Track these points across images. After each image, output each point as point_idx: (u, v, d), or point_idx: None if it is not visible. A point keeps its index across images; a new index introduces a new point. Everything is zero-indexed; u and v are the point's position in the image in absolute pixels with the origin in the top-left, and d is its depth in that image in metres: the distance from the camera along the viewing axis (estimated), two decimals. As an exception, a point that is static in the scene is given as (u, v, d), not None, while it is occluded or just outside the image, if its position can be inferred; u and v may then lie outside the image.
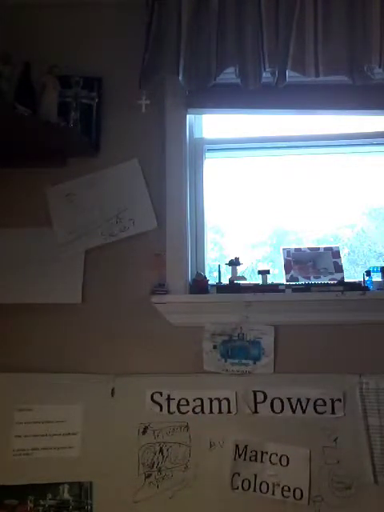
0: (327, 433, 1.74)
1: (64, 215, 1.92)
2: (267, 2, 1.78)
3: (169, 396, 1.79)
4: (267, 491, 1.71)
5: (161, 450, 1.76)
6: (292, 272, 1.91)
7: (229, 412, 1.78)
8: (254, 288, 1.84)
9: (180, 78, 1.80)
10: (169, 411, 1.79)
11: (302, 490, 1.70)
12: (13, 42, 1.88)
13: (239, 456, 1.74)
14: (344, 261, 1.94)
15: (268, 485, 1.71)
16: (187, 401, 1.79)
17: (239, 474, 1.73)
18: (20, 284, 1.87)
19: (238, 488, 1.72)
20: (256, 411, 1.77)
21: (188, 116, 1.97)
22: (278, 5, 1.78)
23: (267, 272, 1.88)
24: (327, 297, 1.78)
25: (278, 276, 1.96)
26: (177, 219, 1.89)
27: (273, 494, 1.71)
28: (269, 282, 1.88)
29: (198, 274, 1.88)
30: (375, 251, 2.05)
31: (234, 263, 1.91)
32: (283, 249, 1.97)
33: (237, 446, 1.75)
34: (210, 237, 2.07)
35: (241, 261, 1.91)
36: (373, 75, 1.79)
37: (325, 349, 1.80)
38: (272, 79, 1.80)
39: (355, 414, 1.74)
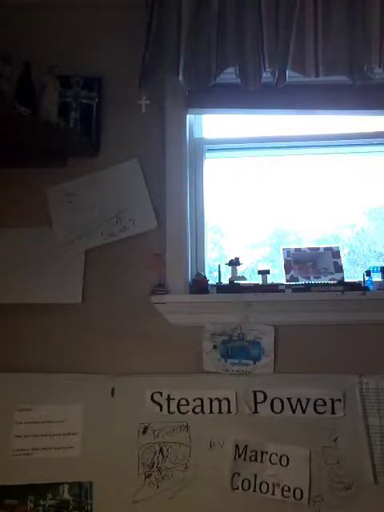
0: (327, 433, 1.74)
1: (64, 215, 1.92)
2: (267, 2, 1.78)
3: (169, 396, 1.79)
4: (267, 491, 1.71)
5: (161, 450, 1.76)
6: (292, 272, 1.91)
7: (229, 412, 1.78)
8: (254, 288, 1.84)
9: (180, 77, 1.80)
10: (169, 411, 1.79)
11: (301, 490, 1.70)
12: (13, 42, 1.87)
13: (239, 456, 1.74)
14: (344, 261, 1.94)
15: (268, 485, 1.71)
16: (187, 401, 1.79)
17: (239, 474, 1.73)
18: (20, 284, 1.88)
19: (238, 488, 1.72)
20: (256, 411, 1.77)
21: (188, 116, 1.97)
22: (277, 5, 1.78)
23: (267, 272, 1.88)
24: (327, 297, 1.78)
25: (278, 276, 1.96)
26: (177, 219, 1.89)
27: (273, 493, 1.71)
28: (269, 282, 1.88)
29: (198, 274, 1.88)
30: (375, 251, 2.05)
31: (234, 263, 1.91)
32: (283, 249, 1.97)
33: (237, 446, 1.75)
34: (210, 237, 2.07)
35: (241, 261, 1.91)
36: (373, 75, 1.79)
37: (325, 349, 1.80)
38: (272, 79, 1.79)
39: (355, 414, 1.74)
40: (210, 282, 1.88)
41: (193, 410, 1.78)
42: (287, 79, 1.78)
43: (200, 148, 2.04)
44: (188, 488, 1.73)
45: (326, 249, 1.97)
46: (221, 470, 1.74)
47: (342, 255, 1.94)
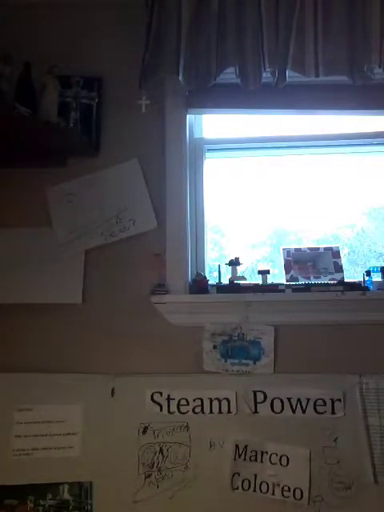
0: (327, 433, 1.74)
1: (64, 215, 1.92)
2: (267, 2, 1.78)
3: (169, 396, 1.79)
4: (267, 491, 1.71)
5: (161, 450, 1.76)
6: (292, 272, 1.91)
7: (229, 412, 1.78)
8: (254, 288, 1.84)
9: (180, 78, 1.80)
10: (169, 411, 1.79)
11: (302, 490, 1.70)
12: (13, 42, 1.88)
13: (239, 456, 1.74)
14: (344, 261, 1.94)
15: (268, 485, 1.71)
16: (187, 401, 1.79)
17: (239, 474, 1.73)
18: (20, 284, 1.88)
19: (238, 488, 1.72)
20: (256, 411, 1.77)
21: (188, 116, 1.97)
22: (277, 5, 1.78)
23: (267, 272, 1.88)
24: (327, 297, 1.78)
25: (278, 276, 1.96)
26: (177, 219, 1.89)
27: (273, 494, 1.71)
28: (269, 282, 1.88)
29: (198, 274, 1.88)
30: (375, 251, 2.05)
31: (234, 263, 1.91)
32: (283, 249, 1.97)
33: (237, 446, 1.75)
34: (210, 237, 2.07)
35: (241, 261, 1.91)
36: (373, 75, 1.79)
37: (325, 349, 1.80)
38: (272, 79, 1.79)
39: (355, 414, 1.74)
40: (210, 282, 1.88)
41: (193, 410, 1.78)
42: (287, 79, 1.78)
43: (200, 148, 2.04)
44: (188, 488, 1.73)
45: (326, 249, 1.97)
46: (221, 470, 1.74)
47: (342, 255, 1.94)
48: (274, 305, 1.81)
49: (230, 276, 1.90)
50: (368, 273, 1.85)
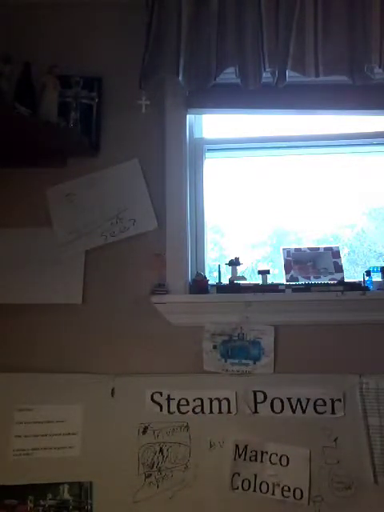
0: (327, 433, 1.74)
1: (64, 215, 1.92)
2: (267, 2, 1.78)
3: (169, 396, 1.79)
4: (267, 491, 1.71)
5: (161, 450, 1.76)
6: (292, 272, 1.91)
7: (229, 412, 1.78)
8: (254, 288, 1.84)
9: (180, 78, 1.80)
10: (169, 411, 1.79)
11: (302, 490, 1.70)
12: (13, 42, 1.88)
13: (239, 456, 1.74)
14: (344, 261, 1.94)
15: (268, 485, 1.71)
16: (187, 401, 1.79)
17: (239, 474, 1.73)
18: (20, 284, 1.87)
19: (238, 488, 1.72)
20: (256, 411, 1.77)
21: (188, 116, 1.97)
22: (278, 5, 1.78)
23: (267, 272, 1.88)
24: (327, 297, 1.78)
25: (278, 276, 1.96)
26: (177, 219, 1.89)
27: (273, 494, 1.71)
28: (269, 282, 1.88)
29: (198, 274, 1.88)
30: (375, 251, 2.05)
31: (234, 263, 1.91)
32: (283, 249, 1.97)
33: (237, 446, 1.75)
34: (210, 237, 2.07)
35: (241, 261, 1.91)
36: (373, 75, 1.79)
37: (325, 349, 1.80)
38: (272, 79, 1.79)
39: (355, 414, 1.74)
40: (210, 282, 1.88)
41: (193, 410, 1.78)
42: (287, 79, 1.78)
43: (200, 148, 2.04)
44: (188, 488, 1.73)
45: (326, 249, 1.97)
46: (221, 469, 1.74)
47: (342, 255, 1.94)
48: (274, 305, 1.81)
49: (230, 276, 1.90)
50: (368, 273, 1.85)
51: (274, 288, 1.85)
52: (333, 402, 1.75)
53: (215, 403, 1.78)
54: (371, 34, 1.78)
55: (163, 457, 1.75)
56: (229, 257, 1.95)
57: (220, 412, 1.78)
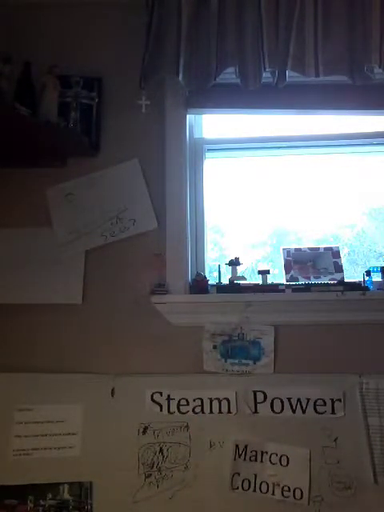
0: (327, 433, 1.74)
1: (64, 215, 1.92)
2: (267, 3, 1.78)
3: (169, 396, 1.79)
4: (267, 491, 1.71)
5: (161, 450, 1.76)
6: (292, 272, 1.91)
7: (229, 412, 1.78)
8: (254, 288, 1.84)
9: (180, 78, 1.80)
10: (169, 411, 1.79)
11: (302, 490, 1.70)
12: (13, 42, 1.88)
13: (239, 456, 1.74)
14: (344, 261, 1.94)
15: (268, 485, 1.72)
16: (187, 401, 1.79)
17: (239, 474, 1.73)
18: (20, 284, 1.87)
19: (238, 488, 1.72)
20: (256, 411, 1.77)
21: (188, 116, 1.97)
22: (277, 5, 1.78)
23: (267, 272, 1.88)
24: (327, 297, 1.78)
25: (278, 276, 1.96)
26: (177, 219, 1.89)
27: (273, 494, 1.71)
28: (269, 282, 1.88)
29: (198, 274, 1.88)
30: (375, 251, 2.05)
31: (234, 263, 1.91)
32: (283, 249, 1.97)
33: (237, 446, 1.75)
34: (210, 237, 2.07)
35: (241, 261, 1.91)
36: (373, 75, 1.79)
37: (325, 349, 1.80)
38: (272, 79, 1.80)
39: (355, 414, 1.74)
40: (210, 282, 1.88)
41: (193, 410, 1.78)
42: (287, 79, 1.78)
43: (200, 148, 2.04)
44: (188, 488, 1.73)
45: (326, 249, 1.97)
46: (221, 469, 1.74)
47: (342, 255, 1.94)
48: (273, 305, 1.81)
49: (230, 276, 1.90)
50: (368, 273, 1.85)
51: (274, 288, 1.85)
52: (333, 402, 1.75)
53: (215, 403, 1.78)
54: (371, 34, 1.78)
55: (163, 457, 1.76)
56: (229, 257, 1.95)
57: (220, 412, 1.78)
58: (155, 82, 1.85)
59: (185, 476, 1.74)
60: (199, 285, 1.85)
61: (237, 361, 1.80)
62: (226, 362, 1.81)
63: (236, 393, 1.79)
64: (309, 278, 1.89)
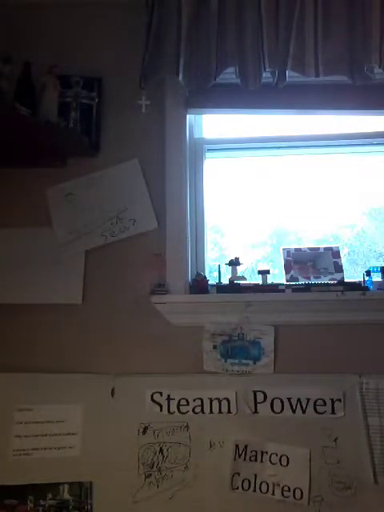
0: (327, 433, 1.74)
1: (64, 215, 1.92)
2: (267, 3, 1.78)
3: (169, 396, 1.79)
4: (267, 491, 1.71)
5: (161, 450, 1.76)
6: (292, 272, 1.91)
7: (229, 412, 1.78)
8: (254, 288, 1.84)
9: (180, 78, 1.80)
10: (169, 411, 1.79)
11: (302, 490, 1.70)
12: (13, 42, 1.88)
13: (239, 456, 1.74)
14: (344, 261, 1.94)
15: (268, 485, 1.72)
16: (187, 401, 1.79)
17: (239, 474, 1.73)
18: (20, 284, 1.87)
19: (238, 488, 1.72)
20: (256, 411, 1.77)
21: (188, 116, 1.97)
22: (277, 5, 1.78)
23: (267, 272, 1.88)
24: (327, 297, 1.78)
25: (278, 276, 1.96)
26: (177, 219, 1.89)
27: (273, 494, 1.71)
28: (269, 282, 1.88)
29: (198, 274, 1.88)
30: (375, 251, 2.05)
31: (234, 263, 1.91)
32: (283, 249, 1.97)
33: (237, 446, 1.75)
34: (210, 237, 2.07)
35: (241, 261, 1.91)
36: (373, 75, 1.79)
37: (325, 349, 1.80)
38: (272, 79, 1.80)
39: (355, 414, 1.74)
40: (210, 282, 1.88)
41: (193, 410, 1.78)
42: (287, 79, 1.78)
43: (200, 148, 2.04)
44: (188, 488, 1.73)
45: (325, 249, 1.97)
46: (221, 469, 1.74)
47: (342, 255, 1.94)
48: (273, 305, 1.81)
49: (230, 276, 1.90)
50: (368, 273, 1.85)
51: (274, 288, 1.85)
52: (333, 402, 1.75)
53: (215, 403, 1.78)
54: (371, 34, 1.78)
55: (163, 457, 1.76)
56: (229, 257, 1.95)
57: (220, 412, 1.78)
58: (155, 82, 1.85)
59: (185, 476, 1.74)
60: (199, 285, 1.85)
61: (237, 361, 1.80)
62: (226, 362, 1.81)
63: (236, 393, 1.79)
64: (309, 278, 1.89)
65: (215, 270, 1.96)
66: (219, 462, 1.74)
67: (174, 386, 1.80)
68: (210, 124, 2.10)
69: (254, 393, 1.78)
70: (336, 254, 1.94)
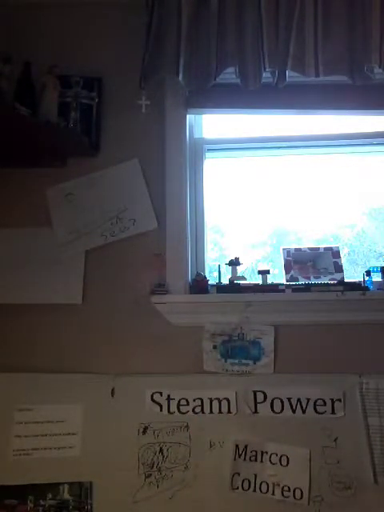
0: (327, 433, 1.74)
1: (64, 215, 1.92)
2: (267, 3, 1.78)
3: (169, 396, 1.79)
4: (267, 491, 1.71)
5: (161, 450, 1.76)
6: (292, 272, 1.91)
7: (229, 412, 1.78)
8: (254, 288, 1.84)
9: (180, 78, 1.80)
10: (169, 411, 1.79)
11: (302, 490, 1.70)
12: (13, 42, 1.88)
13: (239, 456, 1.74)
14: (344, 261, 1.94)
15: (268, 485, 1.72)
16: (187, 401, 1.79)
17: (239, 474, 1.73)
18: (20, 284, 1.87)
19: (238, 488, 1.72)
20: (256, 411, 1.77)
21: (188, 116, 1.97)
22: (277, 5, 1.78)
23: (267, 272, 1.88)
24: (327, 297, 1.78)
25: (278, 276, 1.96)
26: (177, 219, 1.89)
27: (273, 494, 1.71)
28: (269, 282, 1.88)
29: (198, 274, 1.88)
30: (375, 251, 2.05)
31: (234, 263, 1.91)
32: (283, 249, 1.97)
33: (237, 446, 1.75)
34: (210, 237, 2.07)
35: (241, 261, 1.91)
36: (373, 75, 1.79)
37: (325, 349, 1.80)
38: (272, 79, 1.80)
39: (355, 414, 1.74)
40: (210, 282, 1.88)
41: (193, 410, 1.78)
42: (287, 79, 1.78)
43: (200, 148, 2.04)
44: (188, 488, 1.73)
45: (326, 249, 1.97)
46: (221, 469, 1.74)
47: (342, 255, 1.94)
48: (273, 305, 1.81)
49: (230, 276, 1.90)
50: (368, 273, 1.85)
51: (274, 288, 1.85)
52: (333, 402, 1.75)
53: (215, 403, 1.78)
54: (371, 34, 1.78)
55: (163, 457, 1.76)
56: (229, 257, 1.95)
57: (220, 412, 1.78)
58: (155, 82, 1.85)
59: (185, 476, 1.74)
60: (199, 285, 1.85)
61: (237, 361, 1.80)
62: (226, 362, 1.81)
63: (236, 393, 1.79)
64: (309, 278, 1.89)
65: (215, 270, 1.96)
66: (219, 461, 1.74)
67: (174, 386, 1.80)
68: (210, 124, 2.10)
69: (254, 393, 1.78)
70: (336, 254, 1.94)
